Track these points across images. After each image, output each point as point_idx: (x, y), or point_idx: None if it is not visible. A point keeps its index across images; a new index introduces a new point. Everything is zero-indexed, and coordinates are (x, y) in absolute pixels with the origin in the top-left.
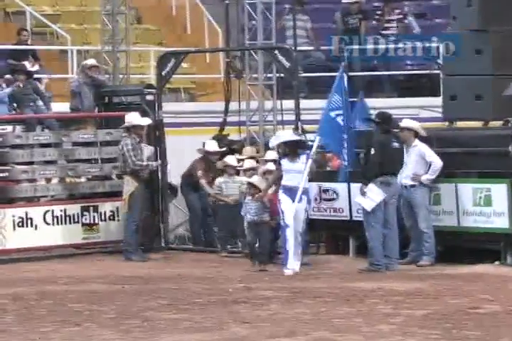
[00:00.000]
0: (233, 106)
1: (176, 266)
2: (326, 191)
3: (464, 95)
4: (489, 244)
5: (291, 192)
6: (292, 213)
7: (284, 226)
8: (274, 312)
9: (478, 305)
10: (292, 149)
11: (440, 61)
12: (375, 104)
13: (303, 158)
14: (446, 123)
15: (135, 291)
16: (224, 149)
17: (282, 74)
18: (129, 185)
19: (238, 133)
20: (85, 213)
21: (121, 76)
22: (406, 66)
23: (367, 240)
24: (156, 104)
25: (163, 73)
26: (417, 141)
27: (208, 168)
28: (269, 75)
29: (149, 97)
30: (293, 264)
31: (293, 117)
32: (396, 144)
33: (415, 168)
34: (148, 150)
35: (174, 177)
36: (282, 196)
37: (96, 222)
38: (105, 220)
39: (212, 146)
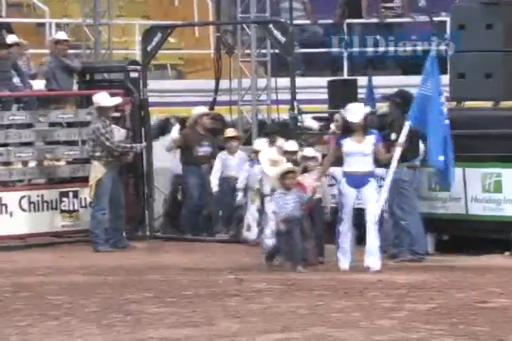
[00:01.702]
0: (224, 84)
1: (162, 256)
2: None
3: (473, 73)
4: (499, 233)
5: (355, 180)
6: (352, 207)
7: (340, 219)
8: (267, 305)
9: (487, 298)
10: (359, 126)
11: (447, 36)
12: (377, 82)
13: (370, 138)
14: (454, 103)
15: (118, 283)
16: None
17: (277, 50)
18: (96, 171)
19: (229, 113)
20: (64, 199)
21: (103, 51)
22: (410, 41)
23: (403, 228)
24: (141, 82)
25: (148, 48)
26: None
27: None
28: (262, 51)
29: (133, 74)
30: (345, 263)
31: (288, 96)
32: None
33: None
34: (120, 133)
35: (161, 161)
36: (345, 187)
37: (76, 208)
38: (86, 207)
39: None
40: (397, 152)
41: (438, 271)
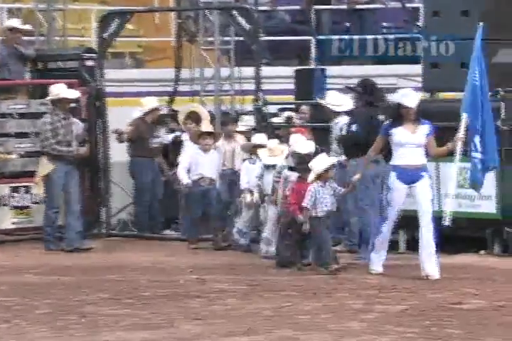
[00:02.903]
0: (185, 73)
1: (120, 255)
2: None
3: (448, 62)
4: (474, 231)
5: (406, 174)
6: (400, 205)
7: (384, 217)
8: (230, 307)
9: (462, 300)
10: (414, 113)
11: (420, 24)
12: (346, 72)
13: (424, 128)
14: (427, 95)
15: (73, 283)
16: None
17: (241, 38)
18: (43, 167)
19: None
20: (15, 195)
21: (57, 38)
22: (382, 29)
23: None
24: (97, 71)
25: (105, 36)
26: (343, 117)
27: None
28: (226, 39)
29: (89, 63)
30: (377, 265)
31: (253, 86)
32: (382, 117)
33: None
34: (78, 127)
35: (118, 154)
36: (395, 182)
37: (27, 204)
38: (38, 203)
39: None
40: (458, 146)
41: (411, 271)
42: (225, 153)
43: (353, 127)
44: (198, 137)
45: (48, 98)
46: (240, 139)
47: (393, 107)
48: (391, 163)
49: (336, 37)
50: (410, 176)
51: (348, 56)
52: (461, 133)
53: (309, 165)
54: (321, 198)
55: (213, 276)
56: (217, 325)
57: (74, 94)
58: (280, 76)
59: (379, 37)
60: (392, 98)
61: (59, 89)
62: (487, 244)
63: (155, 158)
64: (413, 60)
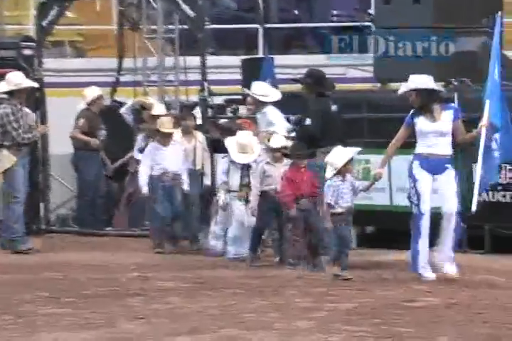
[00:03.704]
0: (128, 63)
1: (60, 252)
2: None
3: (399, 52)
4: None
5: (430, 164)
6: (430, 198)
7: (417, 214)
8: (174, 306)
9: (413, 297)
10: (430, 100)
11: (371, 11)
12: (296, 61)
13: (447, 115)
14: (378, 85)
15: (8, 282)
16: None
17: (186, 26)
18: (5, 161)
19: (133, 94)
20: None
21: None
22: (331, 17)
23: None
24: (36, 60)
25: (43, 23)
26: (269, 107)
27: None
28: (170, 27)
29: (27, 52)
30: (428, 271)
31: (198, 77)
32: (334, 107)
33: None
34: (29, 116)
35: (59, 147)
36: (418, 171)
37: None
38: None
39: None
40: (483, 133)
41: (361, 268)
42: (185, 151)
43: (307, 121)
44: (153, 134)
45: (8, 87)
46: (200, 136)
47: (414, 95)
48: (414, 151)
49: (285, 25)
50: (433, 166)
51: (297, 45)
52: (485, 119)
53: (326, 160)
54: (341, 193)
55: (157, 274)
56: (160, 324)
57: (34, 83)
58: (226, 66)
59: (328, 25)
60: (407, 86)
61: (20, 79)
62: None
63: (100, 151)
64: (363, 50)
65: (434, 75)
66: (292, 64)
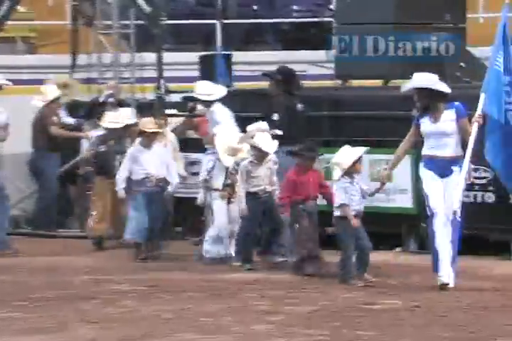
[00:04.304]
0: (82, 59)
1: (10, 255)
2: (192, 163)
3: (360, 48)
4: (389, 226)
5: (437, 164)
6: (441, 196)
7: (430, 215)
8: (128, 309)
9: (375, 300)
10: (433, 100)
11: (333, 7)
12: (255, 58)
13: (449, 114)
14: (339, 82)
15: None
16: None
17: (141, 22)
18: None
19: (87, 92)
20: None
21: None
22: (292, 12)
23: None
24: None
25: None
26: (216, 105)
27: None
28: (125, 22)
29: None
30: (446, 270)
31: (155, 74)
32: (300, 106)
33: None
34: (1, 117)
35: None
36: (424, 172)
37: None
38: None
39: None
40: (474, 129)
41: (327, 269)
42: None
43: (274, 116)
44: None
45: None
46: (171, 136)
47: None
48: (421, 153)
49: (244, 21)
50: (440, 168)
51: (256, 41)
52: (477, 114)
53: (332, 160)
54: (350, 196)
55: (110, 277)
56: (113, 328)
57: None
58: (184, 62)
59: (289, 21)
60: (409, 86)
61: None
62: (402, 241)
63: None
64: (325, 46)
65: (395, 72)
66: (252, 60)
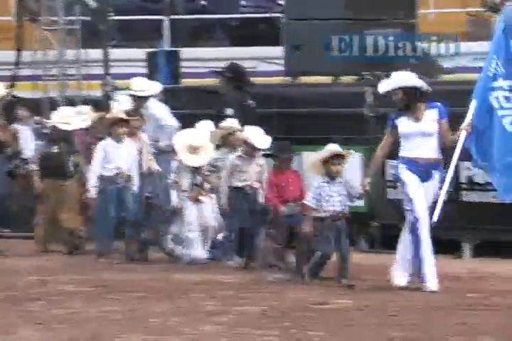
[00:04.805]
0: (27, 56)
1: None
2: None
3: (310, 44)
4: None
5: (418, 167)
6: (424, 201)
7: (414, 220)
8: (75, 310)
9: (325, 299)
10: (414, 99)
11: (281, 2)
12: (204, 54)
13: (431, 114)
14: (289, 79)
15: None
16: None
17: (88, 18)
18: None
19: (32, 89)
20: None
21: None
22: (241, 8)
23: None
24: None
25: None
26: (151, 101)
27: None
28: (71, 18)
29: None
30: (433, 279)
31: (101, 70)
32: (251, 102)
33: (153, 132)
34: None
35: None
36: (406, 174)
37: None
38: None
39: None
40: (462, 136)
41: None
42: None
43: (228, 111)
44: (109, 125)
45: None
46: (145, 136)
47: (394, 93)
48: (399, 154)
49: (191, 16)
50: (420, 171)
51: (205, 37)
52: (466, 122)
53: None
54: (326, 196)
55: (57, 277)
56: (61, 330)
57: None
58: (131, 59)
59: (237, 16)
60: (386, 85)
61: None
62: (353, 240)
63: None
64: (274, 42)
65: (345, 68)
66: (200, 57)
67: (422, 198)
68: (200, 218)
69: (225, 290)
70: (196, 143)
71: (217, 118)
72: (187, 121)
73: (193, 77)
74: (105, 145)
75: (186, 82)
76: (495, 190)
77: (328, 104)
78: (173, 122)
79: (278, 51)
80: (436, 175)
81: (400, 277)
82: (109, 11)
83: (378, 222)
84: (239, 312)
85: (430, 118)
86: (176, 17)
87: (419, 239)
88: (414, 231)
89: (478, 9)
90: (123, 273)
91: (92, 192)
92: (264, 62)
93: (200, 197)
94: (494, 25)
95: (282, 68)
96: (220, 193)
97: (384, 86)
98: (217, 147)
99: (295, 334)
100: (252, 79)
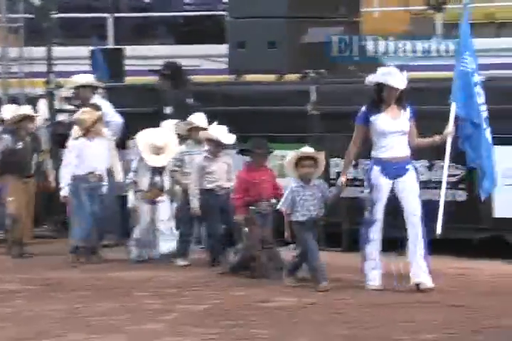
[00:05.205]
0: None
1: None
2: None
3: (254, 42)
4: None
5: (392, 168)
6: (384, 202)
7: (370, 221)
8: (18, 309)
9: (269, 297)
10: (398, 97)
11: (226, 0)
12: (147, 52)
13: (407, 113)
14: (233, 77)
15: None
16: None
17: (31, 15)
18: None
19: None
20: None
21: None
22: (185, 6)
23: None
24: None
25: None
26: (95, 98)
27: None
28: (13, 16)
29: None
30: (376, 279)
31: (45, 68)
32: (190, 101)
33: None
34: None
35: None
36: (378, 179)
37: None
38: None
39: None
40: (448, 142)
41: (214, 268)
42: None
43: (167, 110)
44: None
45: None
46: (110, 135)
47: (373, 89)
48: (372, 155)
49: (135, 14)
50: (395, 170)
51: (148, 35)
52: (450, 126)
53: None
54: (301, 200)
55: (2, 276)
56: (4, 328)
57: None
58: (75, 57)
59: (181, 14)
60: (372, 78)
61: None
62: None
63: None
64: (218, 40)
65: (287, 66)
66: (145, 55)
67: (384, 203)
68: (154, 219)
69: (169, 288)
70: (159, 143)
71: (157, 116)
72: (129, 120)
73: (137, 75)
74: (79, 143)
75: (130, 80)
76: None
77: (272, 102)
78: (118, 118)
79: (222, 49)
80: (410, 167)
81: (374, 277)
82: (52, 9)
83: (322, 220)
84: (182, 311)
85: (406, 116)
86: (120, 15)
87: (369, 238)
88: (366, 230)
89: (422, 7)
90: (68, 271)
91: (64, 191)
92: (208, 60)
93: (157, 199)
94: (437, 23)
95: (226, 66)
96: (190, 196)
97: (371, 78)
98: (184, 140)
99: (238, 333)
100: (196, 77)
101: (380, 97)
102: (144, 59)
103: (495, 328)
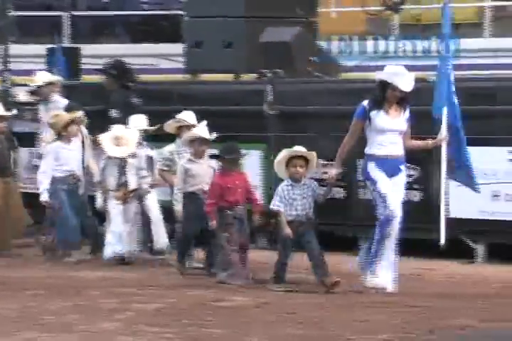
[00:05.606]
0: None
1: None
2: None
3: (211, 42)
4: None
5: (387, 165)
6: (395, 195)
7: (386, 218)
8: None
9: (224, 296)
10: (402, 96)
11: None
12: (103, 51)
13: (407, 113)
14: (189, 76)
15: None
16: None
17: None
18: None
19: None
20: None
21: None
22: (141, 5)
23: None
24: None
25: None
26: (55, 96)
27: None
28: None
29: None
30: (387, 280)
31: (0, 66)
32: (136, 100)
33: None
34: None
35: None
36: (375, 172)
37: None
38: None
39: None
40: (443, 147)
41: (168, 267)
42: None
43: (113, 112)
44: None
45: None
46: (85, 131)
47: (378, 86)
48: (367, 151)
49: (92, 13)
50: (390, 168)
51: (105, 34)
52: (444, 132)
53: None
54: (290, 199)
55: None
56: None
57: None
58: (31, 55)
59: (138, 13)
60: (380, 76)
61: None
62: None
63: None
64: (175, 39)
65: (245, 66)
66: (100, 53)
67: (394, 194)
68: (125, 218)
69: (124, 287)
70: (119, 133)
71: (107, 115)
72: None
73: (94, 74)
74: (56, 147)
75: (87, 78)
76: None
77: (228, 101)
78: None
79: (179, 48)
80: (403, 168)
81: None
82: (8, 7)
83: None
84: (137, 310)
85: (404, 117)
86: (77, 13)
87: (389, 235)
88: (383, 229)
89: (378, 8)
90: (21, 270)
91: (44, 196)
92: (164, 59)
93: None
94: (392, 24)
95: (182, 65)
96: (173, 200)
97: (380, 75)
98: (173, 139)
99: (193, 332)
100: (152, 76)
101: (383, 95)
102: (101, 57)
103: (449, 328)
